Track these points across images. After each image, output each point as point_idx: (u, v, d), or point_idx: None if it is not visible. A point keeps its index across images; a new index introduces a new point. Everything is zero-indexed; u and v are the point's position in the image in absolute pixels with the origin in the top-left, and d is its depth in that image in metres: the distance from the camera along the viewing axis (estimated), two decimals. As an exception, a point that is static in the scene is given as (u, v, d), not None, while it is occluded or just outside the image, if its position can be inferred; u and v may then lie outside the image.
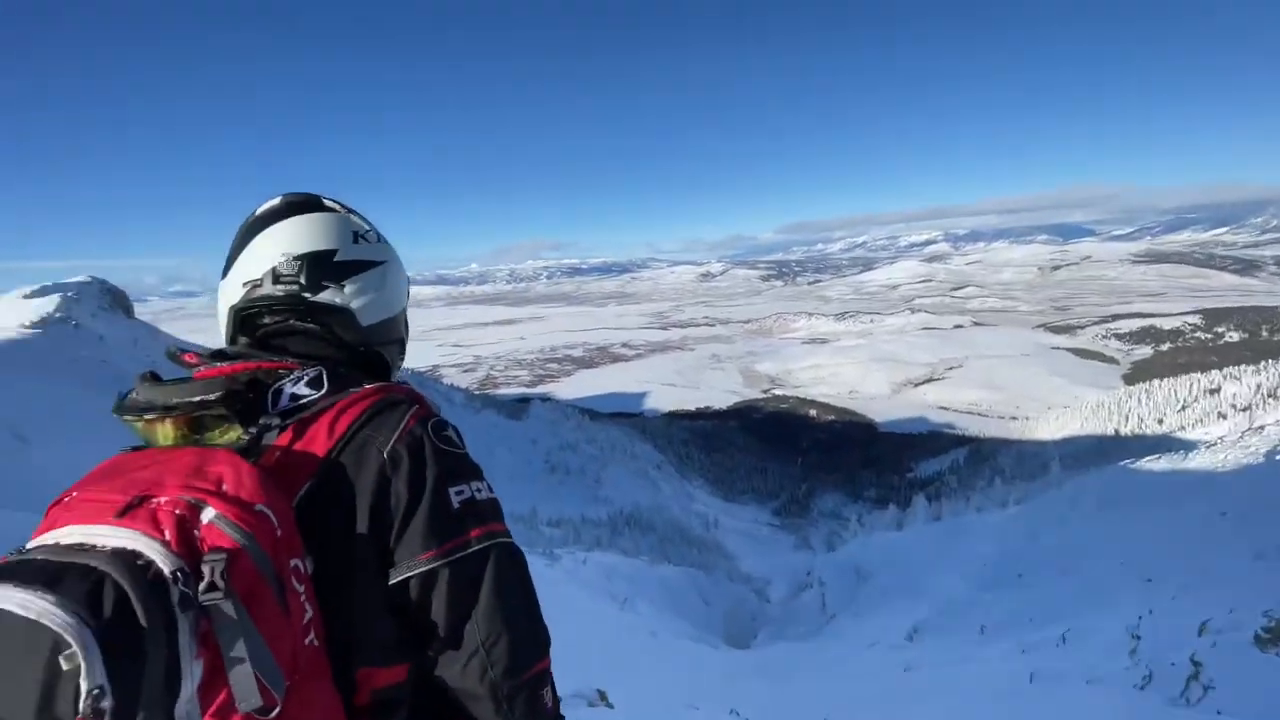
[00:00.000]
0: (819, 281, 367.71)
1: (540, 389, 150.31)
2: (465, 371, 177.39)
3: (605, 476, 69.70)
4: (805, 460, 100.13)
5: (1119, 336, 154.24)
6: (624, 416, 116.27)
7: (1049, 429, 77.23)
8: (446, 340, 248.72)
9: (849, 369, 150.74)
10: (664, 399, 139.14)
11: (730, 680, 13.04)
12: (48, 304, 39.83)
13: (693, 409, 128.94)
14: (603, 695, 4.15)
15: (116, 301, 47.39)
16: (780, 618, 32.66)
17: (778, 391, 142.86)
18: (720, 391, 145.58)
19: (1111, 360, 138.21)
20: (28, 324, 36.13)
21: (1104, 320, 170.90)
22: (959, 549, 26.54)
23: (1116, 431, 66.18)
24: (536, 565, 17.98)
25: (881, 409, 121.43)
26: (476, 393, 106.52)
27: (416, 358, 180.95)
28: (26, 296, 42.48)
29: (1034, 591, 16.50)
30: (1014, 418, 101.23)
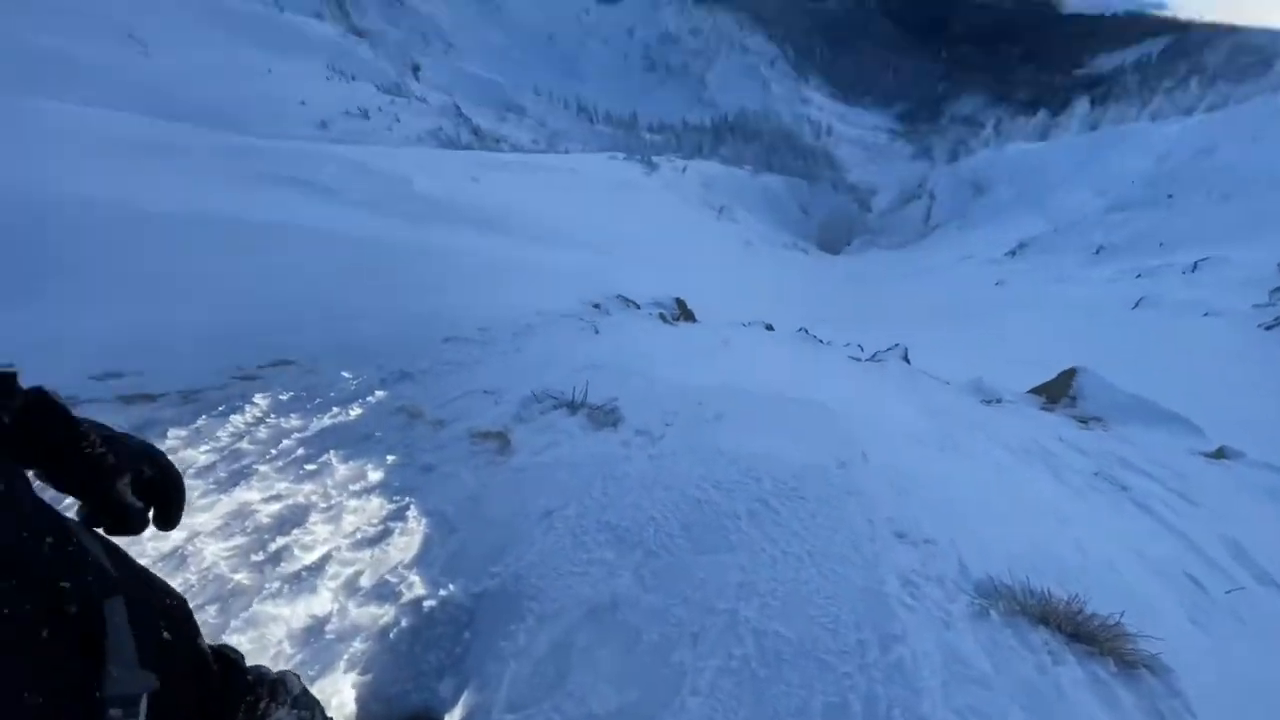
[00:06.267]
0: None
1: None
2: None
3: (710, 76, 63.29)
4: (951, 54, 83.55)
5: None
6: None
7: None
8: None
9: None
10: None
11: (811, 283, 13.94)
12: None
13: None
14: (681, 304, 4.40)
15: None
16: (878, 228, 32.87)
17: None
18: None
19: None
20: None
21: None
22: (1105, 163, 23.37)
23: None
24: (633, 173, 18.09)
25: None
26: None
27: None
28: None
29: (1180, 216, 14.81)
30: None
